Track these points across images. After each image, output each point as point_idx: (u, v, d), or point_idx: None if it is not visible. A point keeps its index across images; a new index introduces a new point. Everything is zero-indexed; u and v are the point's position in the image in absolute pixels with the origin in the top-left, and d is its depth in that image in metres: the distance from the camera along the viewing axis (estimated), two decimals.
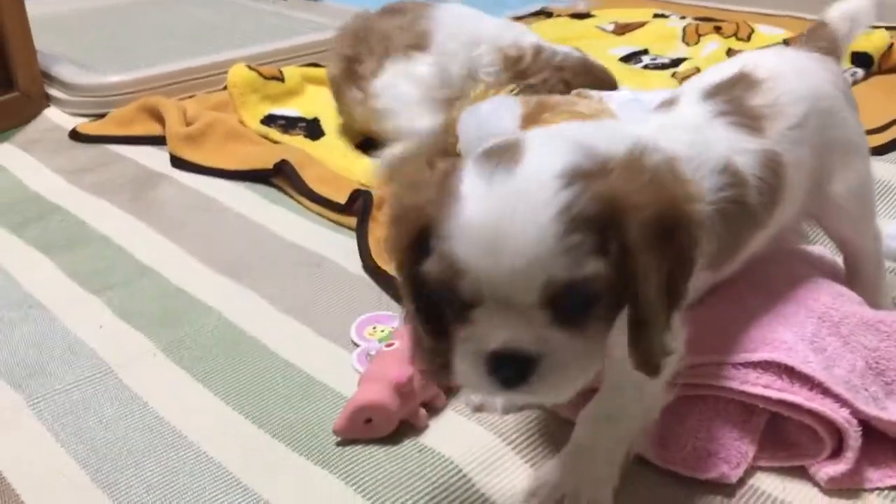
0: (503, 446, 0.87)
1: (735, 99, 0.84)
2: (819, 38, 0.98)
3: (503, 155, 0.64)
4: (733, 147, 0.81)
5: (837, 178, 0.92)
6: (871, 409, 0.82)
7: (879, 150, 1.50)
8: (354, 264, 1.22)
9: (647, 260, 0.62)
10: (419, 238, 0.64)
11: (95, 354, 1.06)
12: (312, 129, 1.68)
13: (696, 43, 2.08)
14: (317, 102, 1.78)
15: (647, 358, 0.65)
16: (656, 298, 0.63)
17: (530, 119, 1.09)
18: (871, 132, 1.56)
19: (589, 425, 0.79)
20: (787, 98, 0.86)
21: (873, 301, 0.98)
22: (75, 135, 1.75)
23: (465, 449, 0.86)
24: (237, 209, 1.42)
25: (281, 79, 1.79)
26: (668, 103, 0.86)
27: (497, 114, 1.11)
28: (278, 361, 1.03)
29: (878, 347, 0.88)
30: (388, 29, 1.53)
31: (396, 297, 1.13)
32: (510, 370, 0.63)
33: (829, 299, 0.92)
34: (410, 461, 0.86)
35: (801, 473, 0.83)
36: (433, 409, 0.92)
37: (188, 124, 1.69)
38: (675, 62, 1.98)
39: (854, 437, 0.81)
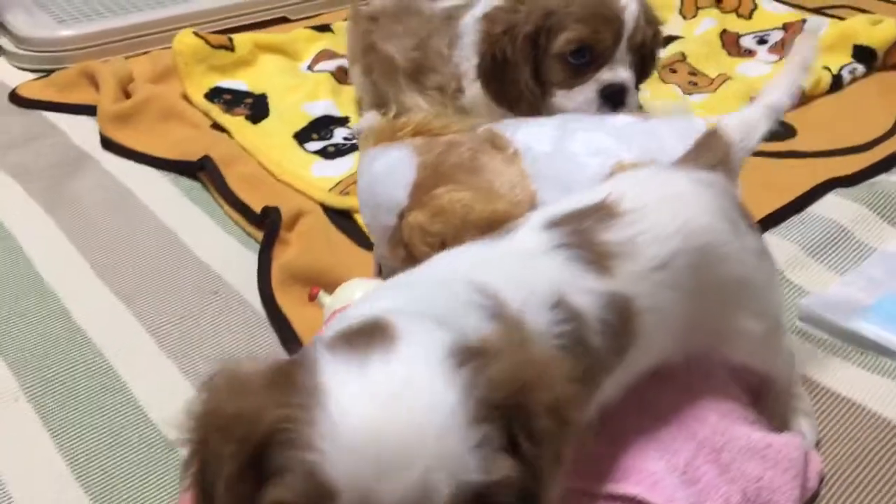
0: None
1: (582, 231, 0.72)
2: (705, 150, 0.85)
3: (370, 339, 0.53)
4: (569, 283, 0.69)
5: (732, 317, 0.80)
6: None
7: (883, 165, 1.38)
8: (253, 294, 1.15)
9: (551, 453, 0.54)
10: (253, 457, 0.51)
11: None
12: (257, 108, 1.58)
13: (694, 16, 1.91)
14: (267, 75, 1.67)
15: None
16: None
17: (420, 190, 0.97)
18: (865, 146, 1.43)
19: None
20: (648, 236, 0.73)
21: (781, 427, 0.89)
22: (15, 97, 1.67)
23: None
24: (153, 208, 1.34)
25: (230, 47, 1.68)
26: (504, 231, 0.75)
27: (389, 179, 0.98)
28: (142, 421, 0.97)
29: (761, 476, 0.80)
30: None
31: (284, 340, 1.07)
32: None
33: (716, 419, 0.83)
34: None
35: None
36: None
37: (127, 95, 1.61)
38: (667, 40, 1.82)
39: None
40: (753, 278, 0.81)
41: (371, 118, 1.47)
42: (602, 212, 0.74)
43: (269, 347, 1.06)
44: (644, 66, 1.29)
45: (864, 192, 1.30)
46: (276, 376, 0.53)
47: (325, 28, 1.85)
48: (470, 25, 1.29)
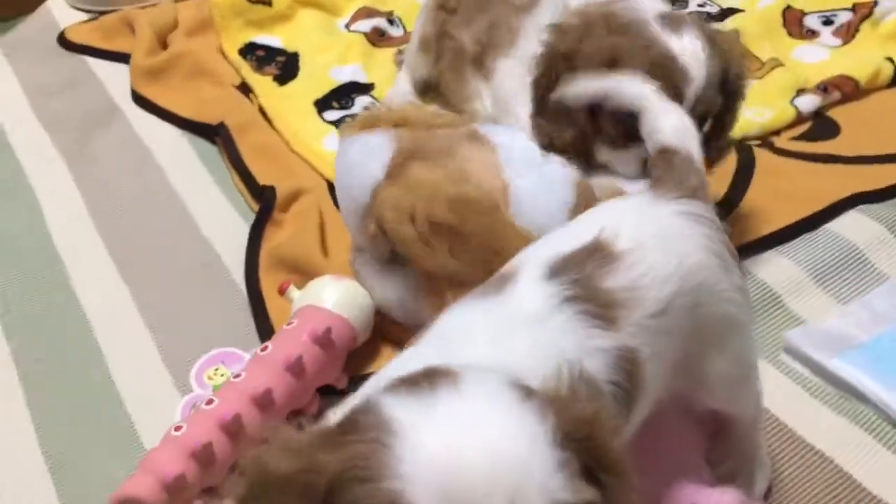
0: None
1: (586, 279, 0.68)
2: (680, 175, 0.79)
3: (432, 380, 0.53)
4: (583, 347, 0.66)
5: (711, 359, 0.77)
6: None
7: None
8: (242, 275, 1.18)
9: (624, 493, 0.54)
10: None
11: None
12: (288, 67, 1.58)
13: None
14: (302, 32, 1.66)
15: None
16: None
17: (395, 168, 0.98)
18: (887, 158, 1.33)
19: None
20: (649, 279, 0.70)
21: (746, 469, 0.87)
22: (63, 40, 1.72)
23: None
24: (168, 172, 1.38)
25: (268, 2, 1.67)
26: (503, 280, 0.71)
27: (367, 157, 1.00)
28: (111, 392, 1.02)
29: None
30: None
31: (260, 329, 1.09)
32: None
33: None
34: None
35: None
36: (216, 496, 0.90)
37: (165, 46, 1.63)
38: (725, 13, 1.73)
39: None
40: (738, 317, 0.77)
41: (401, 89, 1.46)
42: (600, 254, 0.70)
43: (246, 334, 1.09)
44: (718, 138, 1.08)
45: (891, 210, 1.22)
46: (330, 434, 0.52)
47: None
48: (543, 16, 1.16)
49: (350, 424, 0.52)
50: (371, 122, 1.05)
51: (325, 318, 0.98)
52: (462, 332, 0.66)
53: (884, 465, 0.92)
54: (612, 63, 0.99)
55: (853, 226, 1.20)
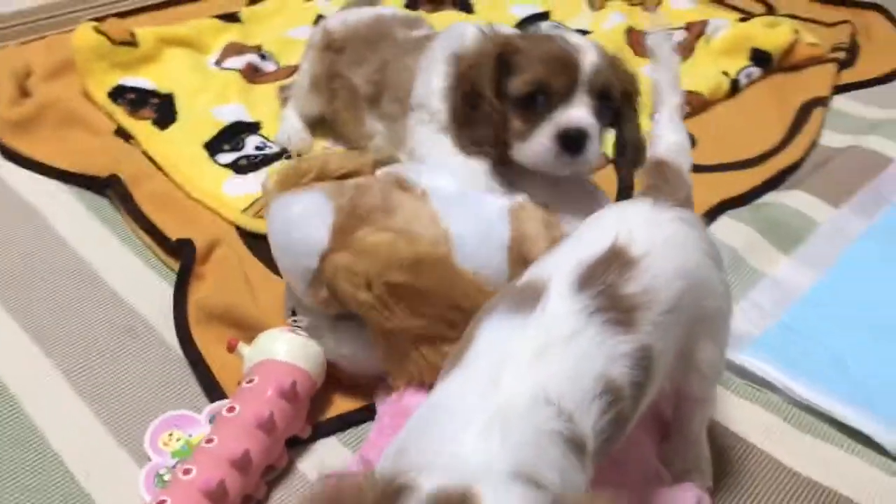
0: None
1: (609, 289, 0.76)
2: (672, 185, 0.90)
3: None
4: (610, 356, 0.74)
5: (702, 346, 0.87)
6: None
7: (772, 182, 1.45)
8: (171, 331, 1.15)
9: None
10: None
11: None
12: (164, 110, 1.55)
13: (601, 8, 1.95)
14: (173, 72, 1.63)
15: None
16: None
17: (340, 235, 0.99)
18: (758, 159, 1.50)
19: None
20: (661, 280, 0.79)
21: (693, 451, 0.97)
22: None
23: None
24: (61, 231, 1.31)
25: (133, 43, 1.62)
26: (533, 293, 0.76)
27: (307, 221, 1.01)
28: (60, 471, 0.98)
29: None
30: None
31: (206, 387, 1.08)
32: None
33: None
34: None
35: None
36: None
37: (24, 94, 1.54)
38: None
39: None
40: (725, 309, 0.88)
41: (292, 126, 1.47)
42: (619, 261, 0.78)
43: (191, 392, 1.08)
44: (618, 123, 1.17)
45: (754, 214, 1.38)
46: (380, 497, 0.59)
47: (232, 17, 1.81)
48: (439, 52, 1.23)
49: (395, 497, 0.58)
50: (294, 180, 1.05)
51: (288, 372, 0.99)
52: (501, 357, 0.72)
53: (792, 440, 1.05)
54: (510, 51, 1.11)
55: (727, 231, 1.35)
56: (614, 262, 0.79)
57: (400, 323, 0.97)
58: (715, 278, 0.87)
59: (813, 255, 1.31)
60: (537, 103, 1.10)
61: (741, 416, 1.08)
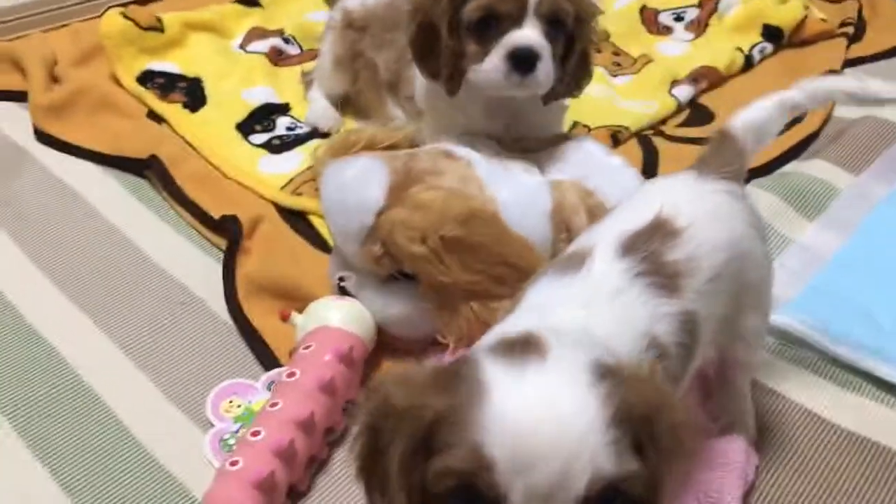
0: None
1: (653, 255, 0.79)
2: (725, 159, 0.93)
3: (525, 350, 0.62)
4: (654, 314, 0.77)
5: (747, 315, 0.91)
6: None
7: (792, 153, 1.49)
8: (221, 303, 1.18)
9: (671, 467, 0.62)
10: (423, 439, 0.61)
11: None
12: (193, 94, 1.57)
13: None
14: (199, 56, 1.66)
15: None
16: None
17: (396, 192, 1.04)
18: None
19: None
20: (705, 249, 0.82)
21: (738, 407, 1.00)
22: None
23: None
24: (102, 211, 1.34)
25: (160, 28, 1.65)
26: (580, 257, 0.80)
27: (362, 184, 1.05)
28: (128, 440, 1.01)
29: (713, 481, 0.92)
30: None
31: (260, 357, 1.11)
32: None
33: None
34: None
35: None
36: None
37: (54, 80, 1.56)
38: None
39: None
40: (768, 279, 0.92)
41: (321, 107, 1.50)
42: (664, 230, 0.81)
43: (244, 361, 1.11)
44: (570, 49, 1.19)
45: (778, 183, 1.41)
46: (440, 376, 0.63)
47: (253, 3, 1.83)
48: None
49: (454, 375, 0.62)
50: (345, 149, 1.09)
51: (344, 338, 1.03)
52: (554, 303, 0.75)
53: (829, 395, 1.09)
54: None
55: (752, 199, 1.38)
56: (658, 231, 0.81)
57: (452, 277, 1.01)
58: (758, 249, 0.90)
59: (837, 221, 1.34)
60: (490, 28, 1.14)
61: (780, 374, 1.12)
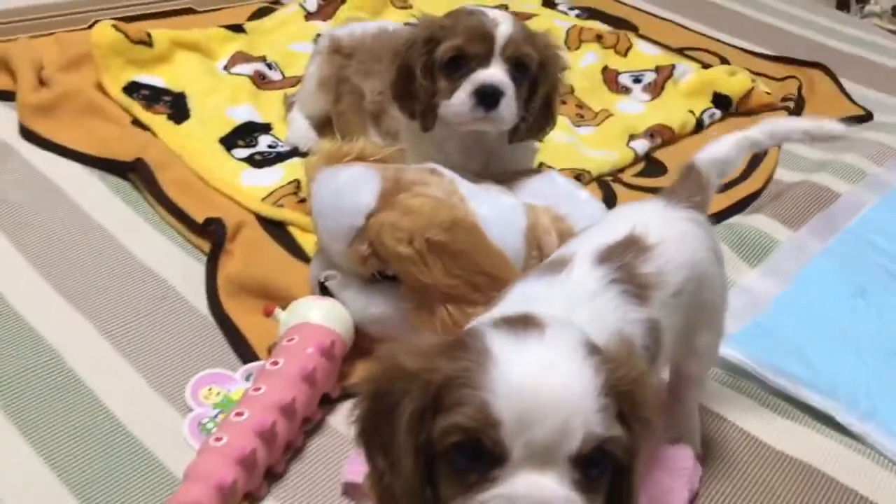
0: None
1: (625, 266, 0.88)
2: (690, 190, 1.03)
3: (525, 324, 0.69)
4: (624, 318, 0.85)
5: (701, 332, 1.00)
6: None
7: (737, 207, 1.61)
8: (201, 300, 1.23)
9: (646, 438, 0.70)
10: (432, 399, 0.67)
11: None
12: (177, 108, 1.63)
13: (578, 48, 2.11)
14: (185, 73, 1.72)
15: None
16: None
17: (386, 197, 1.11)
18: (725, 187, 1.66)
19: None
20: (671, 266, 0.91)
21: (687, 422, 1.08)
22: None
23: None
24: (87, 209, 1.38)
25: (149, 43, 1.71)
26: (560, 263, 0.89)
27: (355, 187, 1.12)
28: (108, 420, 1.05)
29: (664, 483, 1.00)
30: None
31: (238, 351, 1.16)
32: None
33: None
34: None
35: None
36: (255, 500, 0.97)
37: (42, 83, 1.61)
38: None
39: None
40: (722, 301, 1.02)
41: (301, 128, 1.57)
42: (636, 246, 0.90)
43: (223, 355, 1.16)
44: (533, 93, 1.29)
45: (725, 231, 1.53)
46: (448, 344, 0.69)
47: (238, 28, 1.91)
48: None
49: (461, 343, 0.69)
50: (339, 157, 1.17)
51: (326, 333, 1.08)
52: (536, 299, 0.83)
53: (765, 421, 1.18)
54: (438, 29, 1.26)
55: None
56: (632, 246, 0.91)
57: (433, 279, 1.08)
58: (716, 273, 1.00)
59: (776, 269, 1.46)
60: (459, 67, 1.25)
61: (723, 399, 1.21)
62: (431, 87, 1.27)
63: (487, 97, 1.23)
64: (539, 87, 1.30)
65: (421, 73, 1.26)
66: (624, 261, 0.88)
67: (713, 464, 1.10)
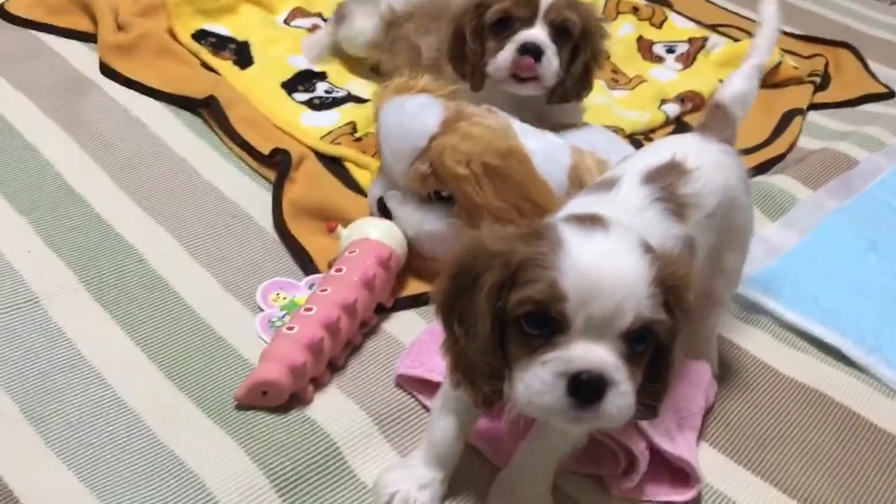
0: (375, 429, 1.05)
1: (668, 187, 0.99)
2: (721, 125, 1.14)
3: (592, 222, 0.81)
4: (666, 233, 0.96)
5: (728, 254, 1.11)
6: (663, 444, 1.05)
7: (761, 168, 1.71)
8: (266, 221, 1.36)
9: (685, 325, 0.82)
10: (510, 276, 0.79)
11: (22, 281, 1.18)
12: (241, 54, 1.75)
13: (615, 19, 2.22)
14: (248, 24, 1.84)
15: (657, 402, 0.85)
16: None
17: (448, 124, 1.23)
18: (751, 150, 1.76)
19: (532, 452, 0.97)
20: (707, 189, 1.01)
21: (706, 343, 1.20)
22: (3, 13, 1.77)
23: (341, 426, 1.04)
24: (163, 137, 1.51)
25: None
26: (610, 183, 0.99)
27: (421, 113, 1.24)
28: (190, 314, 1.18)
29: (682, 394, 1.11)
30: None
31: (302, 264, 1.29)
32: (590, 392, 0.77)
33: None
34: (294, 432, 1.03)
35: (597, 480, 1.05)
36: (319, 385, 1.10)
37: (119, 28, 1.74)
38: None
39: (643, 465, 1.03)
40: (749, 225, 1.13)
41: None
42: (677, 169, 1.00)
43: (288, 267, 1.28)
44: (574, 57, 1.43)
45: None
46: (526, 232, 0.81)
47: None
48: None
49: (537, 232, 0.81)
50: (406, 88, 1.29)
51: (384, 248, 1.20)
52: (592, 210, 0.93)
53: (778, 351, 1.29)
54: None
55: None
56: (673, 169, 1.01)
57: (485, 200, 1.20)
58: (744, 199, 1.11)
59: (795, 223, 1.57)
60: (506, 28, 1.39)
61: (739, 331, 1.32)
62: (480, 48, 1.40)
63: (530, 53, 1.37)
64: (580, 53, 1.43)
65: (471, 36, 1.40)
66: (667, 182, 0.99)
67: (728, 384, 1.22)
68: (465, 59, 1.41)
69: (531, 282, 0.78)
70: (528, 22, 1.38)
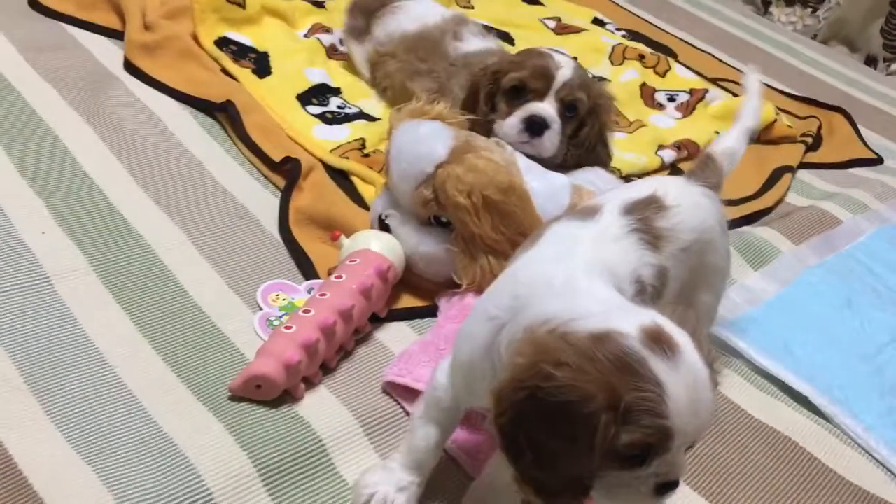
0: (360, 430, 1.11)
1: (645, 219, 1.05)
2: (708, 173, 1.22)
3: (669, 343, 0.80)
4: (640, 261, 1.02)
5: (701, 293, 1.18)
6: None
7: (748, 219, 1.79)
8: (272, 225, 1.42)
9: None
10: (617, 415, 0.78)
11: (35, 261, 1.23)
12: (261, 64, 1.82)
13: (620, 64, 2.30)
14: (269, 36, 1.91)
15: None
16: None
17: (456, 153, 1.29)
18: (740, 201, 1.84)
19: (503, 464, 0.95)
20: (683, 226, 1.08)
21: None
22: (34, 3, 1.83)
23: (328, 424, 1.10)
24: (179, 137, 1.57)
25: (242, 5, 1.90)
26: (592, 210, 1.05)
27: (432, 140, 1.31)
28: (192, 306, 1.23)
29: None
30: None
31: (303, 269, 1.34)
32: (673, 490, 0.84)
33: None
34: (283, 426, 1.08)
35: None
36: (311, 384, 1.15)
37: (146, 28, 1.80)
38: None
39: None
40: (725, 267, 1.21)
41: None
42: (656, 204, 1.07)
43: (289, 270, 1.34)
44: (578, 132, 1.55)
45: (735, 237, 1.70)
46: (618, 363, 0.79)
47: (319, 4, 2.10)
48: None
49: (629, 367, 0.79)
50: (421, 113, 1.36)
51: (384, 260, 1.26)
52: (572, 239, 1.00)
53: (748, 393, 1.36)
54: (509, 63, 1.54)
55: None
56: (652, 203, 1.08)
57: (482, 230, 1.26)
58: (720, 241, 1.18)
59: (776, 274, 1.64)
60: (519, 97, 1.52)
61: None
62: (488, 111, 1.53)
63: (534, 125, 1.49)
64: (585, 129, 1.55)
65: (484, 98, 1.53)
66: (645, 214, 1.06)
67: None
68: (475, 114, 1.51)
69: (645, 428, 0.79)
70: (541, 95, 1.51)
